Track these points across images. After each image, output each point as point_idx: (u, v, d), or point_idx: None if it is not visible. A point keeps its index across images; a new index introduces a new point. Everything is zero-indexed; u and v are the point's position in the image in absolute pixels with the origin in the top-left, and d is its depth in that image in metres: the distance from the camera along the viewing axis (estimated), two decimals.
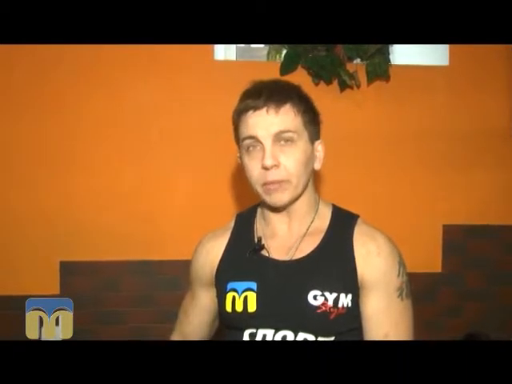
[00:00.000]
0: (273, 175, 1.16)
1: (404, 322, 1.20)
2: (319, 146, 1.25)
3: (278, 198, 1.18)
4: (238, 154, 1.28)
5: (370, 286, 1.18)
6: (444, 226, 2.06)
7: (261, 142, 1.16)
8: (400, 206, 2.05)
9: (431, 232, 2.06)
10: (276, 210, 1.24)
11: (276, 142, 1.16)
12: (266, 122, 1.16)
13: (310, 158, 1.22)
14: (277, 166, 1.16)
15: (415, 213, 2.06)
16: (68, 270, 1.95)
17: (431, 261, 2.06)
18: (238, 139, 1.23)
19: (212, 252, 1.31)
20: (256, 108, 1.17)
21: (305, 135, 1.20)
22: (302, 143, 1.19)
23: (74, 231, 1.95)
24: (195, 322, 1.38)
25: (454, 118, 2.06)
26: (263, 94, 1.17)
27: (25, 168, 1.95)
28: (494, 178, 2.08)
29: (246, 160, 1.20)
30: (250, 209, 1.36)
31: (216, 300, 1.30)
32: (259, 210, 1.32)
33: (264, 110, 1.17)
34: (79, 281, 1.95)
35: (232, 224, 1.34)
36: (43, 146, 1.94)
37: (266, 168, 1.16)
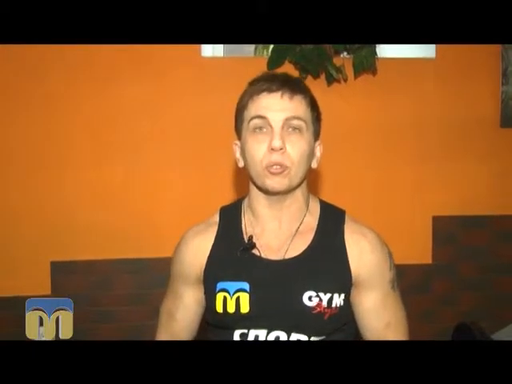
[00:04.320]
0: (277, 157, 1.15)
1: (399, 310, 1.23)
2: (319, 147, 1.26)
3: (278, 181, 1.16)
4: (236, 141, 1.24)
5: (365, 283, 1.19)
6: (434, 217, 2.07)
7: (270, 125, 1.15)
8: (389, 198, 2.06)
9: (421, 224, 2.07)
10: (268, 203, 1.21)
11: (285, 127, 1.16)
12: (279, 106, 1.15)
13: (312, 153, 1.22)
14: (283, 150, 1.15)
15: (405, 205, 2.07)
16: (60, 269, 1.93)
17: (422, 252, 2.07)
18: (242, 121, 1.20)
19: (198, 250, 1.25)
20: (270, 90, 1.16)
21: (311, 129, 1.20)
22: (308, 135, 1.19)
23: (66, 230, 1.94)
24: (183, 322, 1.30)
25: (443, 109, 2.06)
26: (278, 79, 1.18)
27: (17, 168, 1.93)
28: (484, 168, 2.09)
29: (251, 141, 1.17)
30: (234, 203, 1.32)
31: (202, 298, 1.26)
32: (246, 205, 1.28)
33: (279, 93, 1.16)
34: (72, 280, 1.94)
35: (216, 219, 1.28)
36: (36, 145, 1.93)
37: (273, 149, 1.14)
